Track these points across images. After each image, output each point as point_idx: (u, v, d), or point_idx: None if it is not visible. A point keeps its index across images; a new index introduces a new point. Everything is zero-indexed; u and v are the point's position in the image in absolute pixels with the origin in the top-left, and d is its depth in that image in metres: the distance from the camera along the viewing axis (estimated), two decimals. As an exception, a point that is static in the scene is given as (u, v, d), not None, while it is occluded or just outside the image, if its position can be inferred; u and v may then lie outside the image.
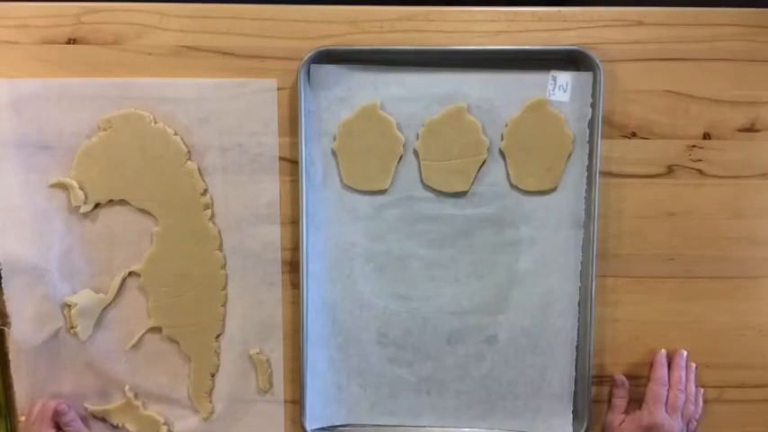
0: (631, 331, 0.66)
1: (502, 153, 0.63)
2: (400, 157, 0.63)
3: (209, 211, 0.64)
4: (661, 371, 0.64)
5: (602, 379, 0.66)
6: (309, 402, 0.65)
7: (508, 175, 0.63)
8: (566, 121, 0.62)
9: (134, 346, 0.66)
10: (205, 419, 0.67)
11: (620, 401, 0.65)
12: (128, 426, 0.66)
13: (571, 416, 0.66)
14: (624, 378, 0.65)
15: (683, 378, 0.64)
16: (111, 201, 0.64)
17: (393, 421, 0.67)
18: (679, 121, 0.63)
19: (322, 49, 0.61)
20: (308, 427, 0.65)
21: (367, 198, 0.64)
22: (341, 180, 0.64)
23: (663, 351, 0.65)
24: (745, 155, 0.64)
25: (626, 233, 0.65)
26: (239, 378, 0.66)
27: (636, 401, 0.65)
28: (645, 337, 0.66)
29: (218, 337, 0.66)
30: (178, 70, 0.63)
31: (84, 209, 0.63)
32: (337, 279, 0.65)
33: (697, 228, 0.65)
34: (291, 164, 0.64)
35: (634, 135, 0.64)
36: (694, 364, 0.65)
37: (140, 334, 0.65)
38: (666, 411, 0.62)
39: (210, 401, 0.67)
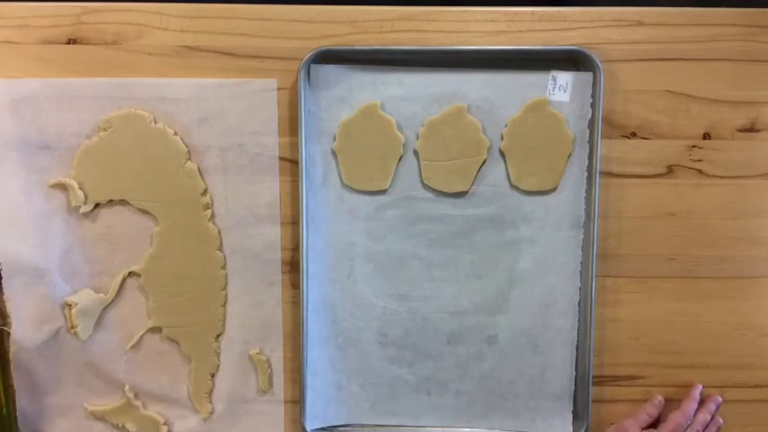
0: (631, 331, 0.66)
1: (502, 153, 0.63)
2: (400, 157, 0.63)
3: (209, 211, 0.64)
4: (692, 406, 0.64)
5: (603, 379, 0.66)
6: (309, 402, 0.65)
7: (508, 175, 0.63)
8: (566, 121, 0.62)
9: (134, 346, 0.66)
10: (205, 419, 0.67)
11: (647, 418, 0.64)
12: (128, 426, 0.66)
13: (571, 416, 0.66)
14: (663, 400, 0.65)
15: (707, 421, 0.64)
16: (111, 201, 0.64)
17: (393, 421, 0.67)
18: (679, 121, 0.63)
19: (322, 49, 0.61)
20: (308, 426, 0.65)
21: (367, 198, 0.64)
22: (341, 180, 0.64)
23: (700, 387, 0.65)
24: (745, 155, 0.64)
25: (626, 233, 0.65)
26: (239, 378, 0.66)
27: (636, 402, 0.66)
28: (645, 337, 0.66)
29: (218, 337, 0.66)
30: (178, 70, 0.63)
31: (84, 209, 0.63)
32: (337, 279, 0.65)
33: (697, 228, 0.65)
34: (291, 164, 0.64)
35: (634, 135, 0.64)
36: (721, 420, 0.65)
37: (140, 334, 0.65)
38: None
39: (210, 401, 0.67)
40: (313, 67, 0.62)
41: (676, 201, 0.64)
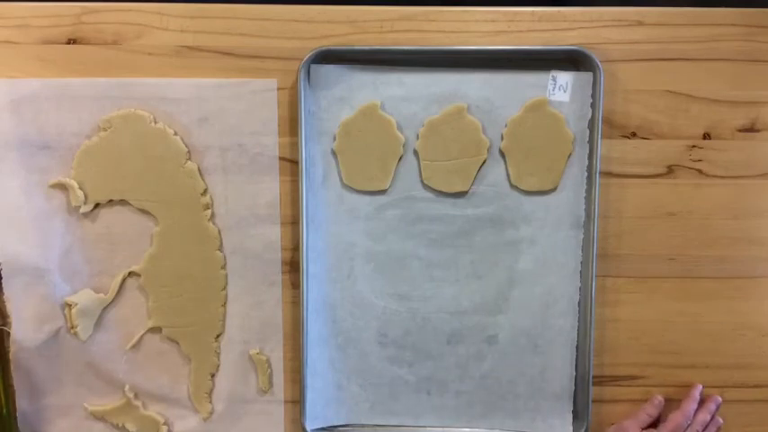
0: (631, 331, 0.66)
1: (502, 153, 0.63)
2: (400, 157, 0.63)
3: (209, 211, 0.64)
4: (691, 405, 0.64)
5: (603, 379, 0.66)
6: (309, 402, 0.65)
7: (508, 175, 0.63)
8: (566, 121, 0.62)
9: (134, 346, 0.66)
10: (205, 419, 0.67)
11: (647, 418, 0.64)
12: (128, 426, 0.66)
13: (571, 416, 0.66)
14: (663, 400, 0.65)
15: (707, 421, 0.64)
16: (111, 201, 0.64)
17: (393, 421, 0.67)
18: (679, 121, 0.63)
19: (322, 49, 0.61)
20: (308, 426, 0.65)
21: (367, 198, 0.64)
22: (341, 180, 0.64)
23: (700, 387, 0.65)
24: (745, 155, 0.64)
25: (626, 233, 0.65)
26: (239, 378, 0.66)
27: (636, 402, 0.66)
28: (645, 337, 0.66)
29: (218, 337, 0.66)
30: (178, 70, 0.63)
31: (84, 209, 0.63)
32: (337, 279, 0.65)
33: (697, 228, 0.65)
34: (291, 164, 0.64)
35: (634, 135, 0.64)
36: (721, 420, 0.65)
37: (140, 334, 0.65)
38: None
39: (210, 401, 0.67)
40: (313, 67, 0.62)
41: (676, 201, 0.64)
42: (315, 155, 0.64)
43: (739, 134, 0.64)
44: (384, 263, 0.65)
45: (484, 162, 0.63)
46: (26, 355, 0.64)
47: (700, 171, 0.64)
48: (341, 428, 0.67)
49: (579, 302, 0.64)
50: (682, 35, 0.62)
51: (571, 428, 0.66)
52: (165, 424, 0.66)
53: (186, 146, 0.63)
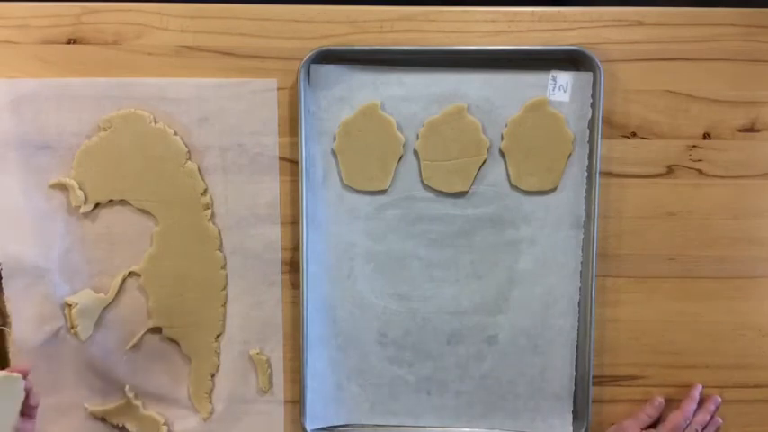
0: (631, 331, 0.66)
1: (502, 153, 0.63)
2: (400, 157, 0.63)
3: (209, 211, 0.64)
4: (691, 405, 0.64)
5: (603, 379, 0.66)
6: (309, 402, 0.65)
7: (508, 175, 0.63)
8: (566, 121, 0.62)
9: (134, 346, 0.66)
10: (205, 419, 0.67)
11: (647, 419, 0.64)
12: (128, 426, 0.66)
13: (571, 416, 0.66)
14: (663, 401, 0.65)
15: (706, 422, 0.64)
16: (111, 201, 0.64)
17: (393, 421, 0.67)
18: (679, 121, 0.63)
19: (322, 49, 0.61)
20: (308, 427, 0.65)
21: (367, 198, 0.64)
22: (341, 180, 0.64)
23: (699, 387, 0.65)
24: (745, 155, 0.64)
25: (626, 233, 0.65)
26: (239, 378, 0.66)
27: (636, 402, 0.66)
28: (645, 337, 0.66)
29: (218, 337, 0.66)
30: (178, 70, 0.63)
31: (84, 209, 0.63)
32: (337, 279, 0.65)
33: (697, 228, 0.65)
34: (291, 164, 0.64)
35: (634, 135, 0.64)
36: (720, 420, 0.65)
37: (140, 334, 0.65)
38: None
39: (210, 401, 0.67)
40: (313, 67, 0.62)
41: (676, 201, 0.64)
42: (315, 155, 0.64)
43: (739, 134, 0.64)
44: (384, 263, 0.65)
45: (484, 162, 0.63)
46: (26, 355, 0.64)
47: (700, 171, 0.64)
48: (341, 428, 0.67)
49: (579, 302, 0.64)
50: (682, 35, 0.62)
51: (571, 428, 0.66)
52: (165, 424, 0.66)
53: (186, 146, 0.63)
